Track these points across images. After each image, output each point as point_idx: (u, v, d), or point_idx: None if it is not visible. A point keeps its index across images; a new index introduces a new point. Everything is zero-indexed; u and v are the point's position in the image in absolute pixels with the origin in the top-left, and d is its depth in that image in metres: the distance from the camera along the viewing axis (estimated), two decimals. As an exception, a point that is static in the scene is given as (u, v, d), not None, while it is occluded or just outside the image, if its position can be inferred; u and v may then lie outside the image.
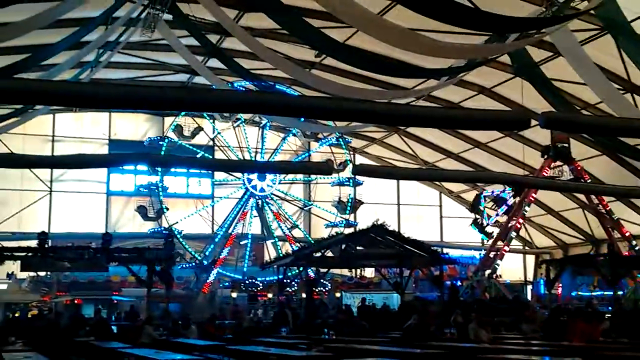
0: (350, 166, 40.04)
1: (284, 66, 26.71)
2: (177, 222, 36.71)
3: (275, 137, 41.11)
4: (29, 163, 26.35)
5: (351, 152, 42.42)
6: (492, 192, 37.82)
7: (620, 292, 29.06)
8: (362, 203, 41.33)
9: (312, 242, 38.24)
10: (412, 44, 19.87)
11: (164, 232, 25.97)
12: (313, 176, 40.27)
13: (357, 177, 38.88)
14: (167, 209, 36.43)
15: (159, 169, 36.42)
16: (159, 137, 37.70)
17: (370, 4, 21.79)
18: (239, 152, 39.08)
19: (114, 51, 26.59)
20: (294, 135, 40.57)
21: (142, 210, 36.42)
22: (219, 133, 39.41)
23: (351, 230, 38.68)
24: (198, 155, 36.98)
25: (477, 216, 37.09)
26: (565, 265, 27.52)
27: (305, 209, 42.41)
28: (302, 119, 31.83)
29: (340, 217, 40.04)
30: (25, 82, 12.88)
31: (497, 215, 37.73)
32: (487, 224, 37.22)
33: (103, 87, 17.16)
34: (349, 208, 40.11)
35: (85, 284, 33.60)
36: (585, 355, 12.90)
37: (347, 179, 39.67)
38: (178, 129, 37.11)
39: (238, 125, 39.18)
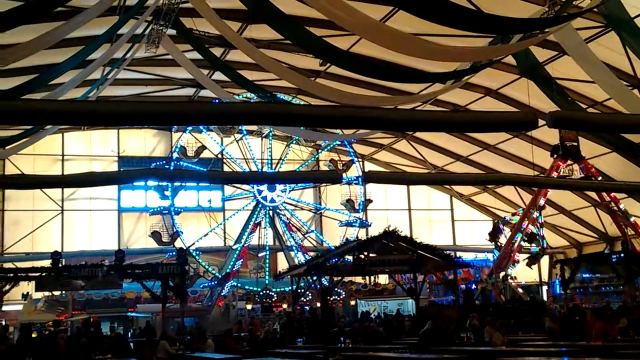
0: (356, 165, 40.17)
1: (289, 76, 26.77)
2: (193, 244, 36.61)
3: (279, 145, 41.13)
4: (40, 183, 26.49)
5: (359, 158, 42.34)
6: (505, 217, 36.74)
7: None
8: (372, 201, 41.26)
9: (328, 244, 38.27)
10: (416, 49, 19.90)
11: (181, 254, 25.92)
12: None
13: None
14: (182, 232, 36.29)
15: (169, 193, 36.46)
16: (164, 162, 37.54)
17: (372, 10, 21.90)
18: (245, 164, 39.06)
19: (119, 68, 26.72)
20: (297, 142, 40.61)
21: (156, 236, 36.14)
22: (223, 149, 39.41)
23: (364, 230, 38.98)
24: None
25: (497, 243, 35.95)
26: (579, 265, 27.37)
27: (317, 213, 42.36)
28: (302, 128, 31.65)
29: (354, 215, 39.94)
30: (36, 103, 12.93)
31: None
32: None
33: (111, 104, 17.26)
34: (360, 207, 40.01)
35: (100, 301, 33.68)
36: (603, 354, 12.82)
37: (355, 178, 39.59)
38: (182, 150, 37.01)
39: (241, 138, 39.21)
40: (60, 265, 23.50)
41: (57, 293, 32.54)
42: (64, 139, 39.68)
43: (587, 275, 34.37)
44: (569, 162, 34.31)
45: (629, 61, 23.96)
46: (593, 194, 36.63)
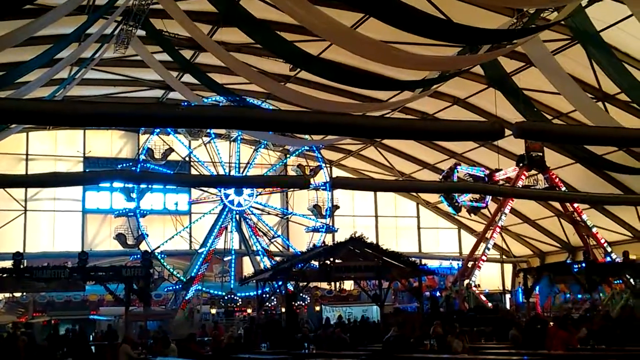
0: (323, 171, 40.24)
1: (259, 80, 26.75)
2: (158, 247, 36.24)
3: (248, 149, 41.00)
4: (3, 183, 26.11)
5: (327, 164, 42.40)
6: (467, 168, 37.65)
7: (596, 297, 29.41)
8: (338, 207, 41.38)
9: (294, 249, 38.20)
10: (386, 57, 20.01)
11: (146, 257, 25.67)
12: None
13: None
14: (147, 235, 35.99)
15: (135, 195, 36.16)
16: (130, 164, 37.27)
17: (343, 16, 21.96)
18: (212, 167, 38.90)
19: (87, 68, 26.44)
20: (266, 147, 40.56)
21: (121, 239, 35.83)
22: (191, 152, 39.21)
23: (331, 235, 39.00)
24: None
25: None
26: (542, 274, 27.69)
27: (284, 218, 42.32)
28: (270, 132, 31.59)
29: (321, 221, 39.99)
30: (0, 101, 12.79)
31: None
32: (458, 201, 36.88)
33: (78, 105, 17.06)
34: (327, 213, 40.05)
35: (62, 303, 33.22)
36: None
37: (322, 184, 39.63)
38: (149, 152, 36.79)
39: (209, 142, 39.04)
40: (22, 266, 23.17)
41: (18, 294, 32.08)
42: (29, 138, 39.03)
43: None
44: (534, 171, 34.81)
45: (594, 74, 24.39)
46: (556, 204, 37.13)
